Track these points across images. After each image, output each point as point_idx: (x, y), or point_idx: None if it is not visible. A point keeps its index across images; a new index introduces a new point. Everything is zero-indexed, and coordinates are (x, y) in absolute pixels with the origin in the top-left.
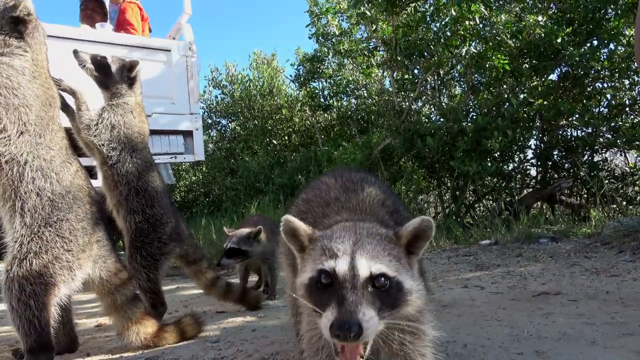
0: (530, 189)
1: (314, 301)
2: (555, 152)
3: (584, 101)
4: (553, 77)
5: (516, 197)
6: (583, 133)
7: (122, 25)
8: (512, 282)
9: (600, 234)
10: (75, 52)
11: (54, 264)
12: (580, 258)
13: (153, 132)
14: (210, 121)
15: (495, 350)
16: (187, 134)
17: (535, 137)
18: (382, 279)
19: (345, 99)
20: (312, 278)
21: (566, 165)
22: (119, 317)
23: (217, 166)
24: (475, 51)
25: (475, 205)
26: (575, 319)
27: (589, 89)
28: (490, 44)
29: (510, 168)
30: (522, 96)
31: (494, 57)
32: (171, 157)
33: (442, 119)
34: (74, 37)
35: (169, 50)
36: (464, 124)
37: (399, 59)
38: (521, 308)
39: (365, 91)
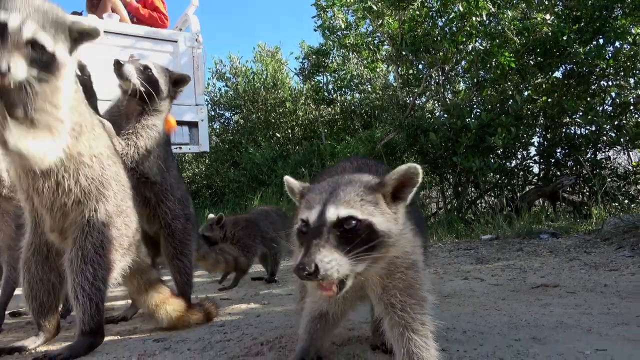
0: (533, 186)
1: (298, 247)
2: (559, 150)
3: (588, 99)
4: (558, 74)
5: (518, 194)
6: (586, 131)
7: (153, 11)
8: (511, 275)
9: (600, 231)
10: (119, 65)
11: (117, 250)
12: (579, 253)
13: None
14: (213, 113)
15: (493, 336)
16: (192, 125)
17: (538, 134)
18: (352, 221)
19: (349, 94)
20: (297, 227)
21: (569, 162)
22: (149, 296)
23: (220, 158)
24: (482, 47)
25: (477, 202)
26: (572, 309)
27: (593, 87)
28: (497, 40)
29: (512, 165)
30: (526, 93)
31: (500, 54)
32: (176, 148)
33: (445, 115)
34: None
35: (176, 41)
36: (467, 120)
37: (404, 53)
38: (520, 299)
39: (369, 86)
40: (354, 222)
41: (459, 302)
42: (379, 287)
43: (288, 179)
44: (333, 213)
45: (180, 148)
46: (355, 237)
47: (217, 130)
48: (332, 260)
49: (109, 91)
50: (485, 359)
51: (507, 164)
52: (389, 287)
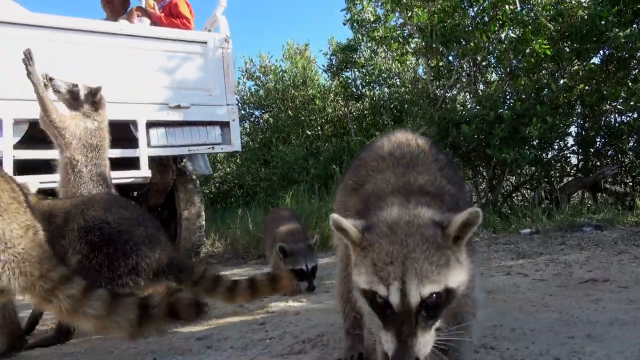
0: (571, 177)
1: (373, 312)
2: (598, 139)
3: (629, 85)
4: (596, 60)
5: (556, 186)
6: (628, 118)
7: (176, 17)
8: (556, 270)
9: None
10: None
11: None
12: (628, 246)
13: (191, 124)
14: (243, 112)
15: (545, 334)
16: (224, 125)
17: (576, 123)
18: (433, 297)
19: (377, 88)
20: (367, 292)
21: (610, 152)
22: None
23: (251, 157)
24: (514, 36)
25: (513, 195)
26: (627, 304)
27: (634, 72)
28: (530, 27)
29: (549, 156)
30: (562, 81)
31: (534, 42)
32: (209, 148)
33: (478, 107)
34: (115, 31)
35: (206, 42)
36: (500, 111)
37: (434, 46)
38: (568, 294)
39: (398, 80)
40: (435, 296)
41: (504, 299)
42: None
43: (338, 220)
44: (415, 294)
45: (213, 148)
46: (438, 309)
47: (248, 129)
48: (426, 345)
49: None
50: (539, 357)
51: (544, 155)
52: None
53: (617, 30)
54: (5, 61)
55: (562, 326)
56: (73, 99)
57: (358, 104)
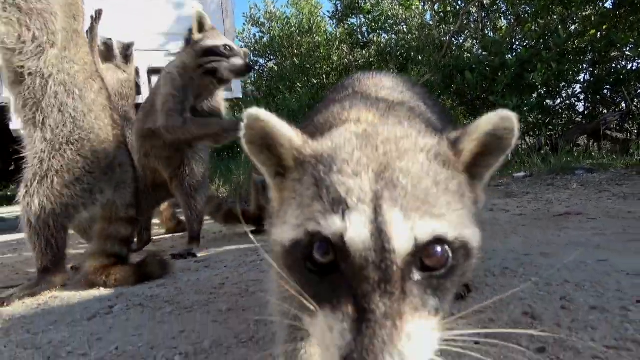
0: (576, 125)
1: (302, 284)
2: (606, 86)
3: None
4: (608, 4)
5: (559, 133)
6: (637, 64)
7: None
8: (537, 206)
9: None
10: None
11: (74, 185)
12: (611, 186)
13: None
14: (248, 60)
15: (505, 253)
16: None
17: (585, 70)
18: (439, 248)
19: (384, 35)
20: (297, 244)
21: (617, 99)
22: (101, 248)
23: (255, 107)
24: None
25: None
26: (588, 231)
27: None
28: None
29: (556, 103)
30: (573, 27)
31: None
32: None
33: (483, 53)
34: None
35: None
36: (506, 57)
37: None
38: (540, 225)
39: (404, 26)
40: (440, 249)
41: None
42: None
43: (258, 114)
44: (404, 230)
45: None
46: (445, 277)
47: (252, 78)
48: (422, 341)
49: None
50: (492, 268)
51: (550, 102)
52: None
53: None
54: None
55: (523, 247)
56: (107, 51)
57: (364, 52)
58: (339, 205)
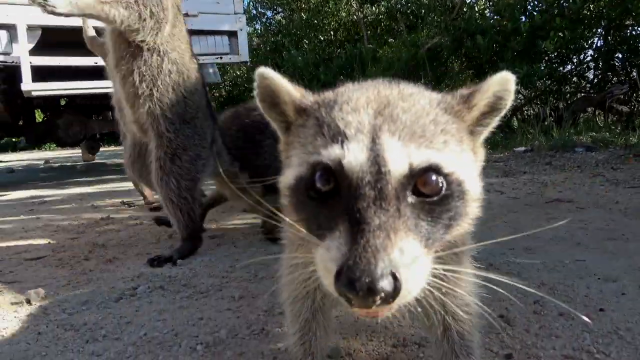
0: (584, 94)
1: (306, 218)
2: (618, 55)
3: None
4: None
5: (566, 102)
6: None
7: None
8: (532, 189)
9: (637, 145)
10: None
11: (196, 160)
12: (606, 169)
13: (199, 32)
14: (254, 12)
15: (493, 244)
16: (232, 34)
17: (598, 35)
18: (433, 176)
19: None
20: (301, 178)
21: (629, 69)
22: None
23: (262, 62)
24: None
25: (524, 108)
26: (573, 224)
27: None
28: None
29: (566, 70)
30: None
31: None
32: (217, 58)
33: (496, 16)
34: None
35: None
36: (519, 22)
37: None
38: (530, 212)
39: None
40: (435, 177)
41: None
42: None
43: (266, 73)
44: (400, 155)
45: (221, 58)
46: (438, 208)
47: (259, 30)
48: (415, 261)
49: None
50: (476, 262)
51: (560, 69)
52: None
53: None
54: None
55: (509, 240)
56: None
57: (373, 8)
58: (339, 136)
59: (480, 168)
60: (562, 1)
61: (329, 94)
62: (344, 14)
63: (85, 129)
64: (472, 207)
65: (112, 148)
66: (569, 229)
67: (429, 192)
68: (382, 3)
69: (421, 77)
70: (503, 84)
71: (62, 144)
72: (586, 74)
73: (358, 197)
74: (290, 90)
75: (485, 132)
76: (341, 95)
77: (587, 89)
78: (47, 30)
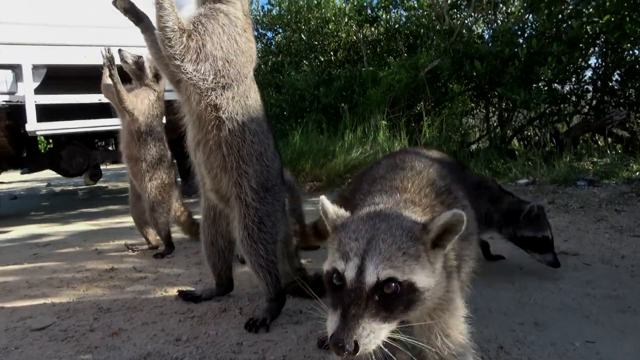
0: (582, 116)
1: (330, 295)
2: (616, 76)
3: None
4: None
5: (564, 127)
6: None
7: None
8: None
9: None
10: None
11: (277, 224)
12: (610, 211)
13: None
14: (256, 34)
15: (499, 317)
16: None
17: (595, 55)
18: (392, 284)
19: (394, 11)
20: (328, 272)
21: (627, 92)
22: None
23: (262, 81)
24: None
25: (524, 130)
26: (580, 287)
27: None
28: None
29: (565, 89)
30: (586, 11)
31: None
32: None
33: (493, 42)
34: None
35: None
36: (516, 50)
37: None
38: (536, 270)
39: (415, 1)
40: (394, 284)
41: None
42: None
43: (324, 201)
44: (372, 273)
45: None
46: (395, 301)
47: (260, 51)
48: (371, 334)
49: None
50: (486, 344)
51: (558, 88)
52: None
53: None
54: (22, 5)
55: (518, 309)
56: (138, 69)
57: (372, 28)
58: (346, 256)
59: (437, 267)
60: (559, 23)
61: (348, 219)
62: (343, 35)
63: (88, 159)
64: (425, 293)
65: (112, 166)
66: (577, 295)
67: (389, 292)
68: (381, 24)
69: (421, 99)
70: (454, 218)
71: (65, 175)
72: (584, 94)
73: (348, 295)
74: (333, 213)
75: (447, 246)
76: (353, 223)
77: (586, 110)
78: (52, 69)
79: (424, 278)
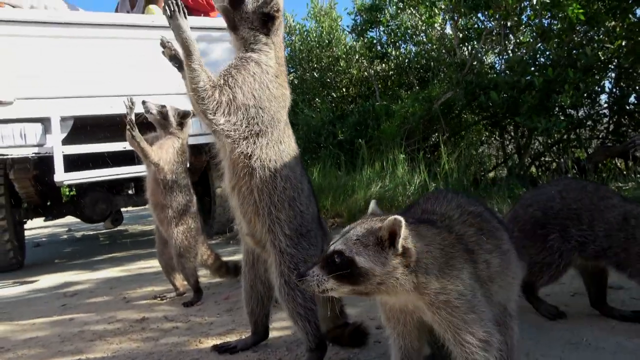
0: (600, 140)
1: None
2: (632, 99)
3: None
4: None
5: (584, 153)
6: None
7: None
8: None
9: None
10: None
11: None
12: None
13: None
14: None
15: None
16: None
17: (609, 79)
18: (336, 255)
19: (404, 46)
20: None
21: None
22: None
23: None
24: (548, 0)
25: (542, 157)
26: (634, 325)
27: None
28: None
29: (581, 115)
30: (597, 37)
31: (566, 6)
32: None
33: (507, 71)
34: (144, 24)
35: None
36: (530, 78)
37: (462, 10)
38: (582, 306)
39: (424, 36)
40: (336, 256)
41: (520, 305)
42: (429, 319)
43: (373, 206)
44: (333, 246)
45: None
46: (339, 267)
47: None
48: (316, 277)
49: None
50: None
51: (576, 114)
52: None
53: None
54: (51, 61)
55: (571, 352)
56: (163, 119)
57: (383, 64)
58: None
59: (387, 261)
60: (573, 52)
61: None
62: (354, 72)
63: (111, 205)
64: (373, 278)
65: (131, 209)
66: (630, 332)
67: (337, 261)
68: (391, 59)
69: (436, 130)
70: (394, 223)
71: (88, 221)
72: (600, 119)
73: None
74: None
75: (397, 246)
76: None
77: (604, 134)
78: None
79: (364, 260)
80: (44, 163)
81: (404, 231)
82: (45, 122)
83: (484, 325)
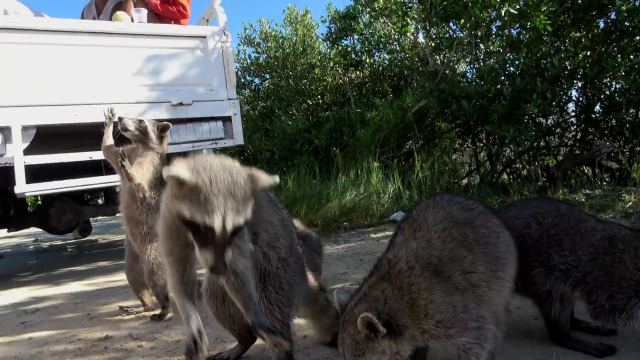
0: (568, 148)
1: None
2: (597, 109)
3: (631, 56)
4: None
5: (554, 160)
6: (628, 94)
7: (172, 4)
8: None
9: (636, 214)
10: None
11: (294, 286)
12: None
13: (194, 120)
14: (243, 80)
15: None
16: (226, 119)
17: (576, 88)
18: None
19: (377, 54)
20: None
21: (611, 122)
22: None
23: (251, 127)
24: (515, 12)
25: (513, 164)
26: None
27: (638, 44)
28: (531, 2)
29: (550, 123)
30: (563, 49)
31: (535, 18)
32: (212, 143)
33: (477, 81)
34: (111, 31)
35: (205, 37)
36: (500, 87)
37: (434, 20)
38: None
39: (397, 45)
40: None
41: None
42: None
43: (337, 297)
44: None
45: (216, 143)
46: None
47: (248, 97)
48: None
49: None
50: None
51: (544, 121)
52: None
53: (620, 2)
54: (11, 68)
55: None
56: (142, 134)
57: (357, 72)
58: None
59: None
60: (541, 61)
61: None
62: (329, 79)
63: (78, 215)
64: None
65: (101, 218)
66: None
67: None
68: (366, 67)
69: (410, 138)
70: (364, 321)
71: (55, 233)
72: (568, 127)
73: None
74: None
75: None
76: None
77: (572, 142)
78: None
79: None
80: (5, 173)
81: (373, 318)
82: (5, 131)
83: (473, 327)
